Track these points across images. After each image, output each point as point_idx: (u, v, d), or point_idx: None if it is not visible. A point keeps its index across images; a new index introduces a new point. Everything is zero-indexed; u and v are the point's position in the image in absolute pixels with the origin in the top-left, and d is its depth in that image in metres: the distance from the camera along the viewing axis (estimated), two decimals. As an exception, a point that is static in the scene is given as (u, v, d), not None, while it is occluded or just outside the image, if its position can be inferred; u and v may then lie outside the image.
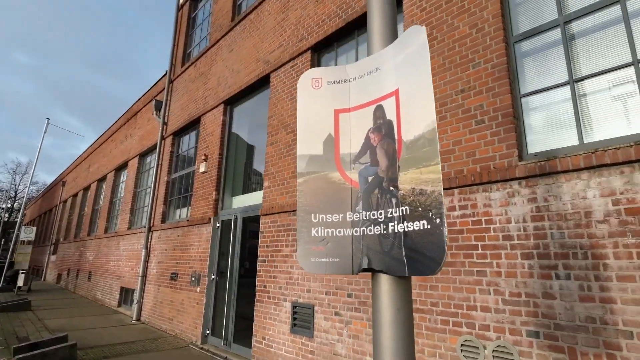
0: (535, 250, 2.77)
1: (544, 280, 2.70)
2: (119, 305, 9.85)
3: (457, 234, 3.25)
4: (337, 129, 1.25)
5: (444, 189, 3.34)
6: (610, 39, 2.83)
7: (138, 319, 8.17)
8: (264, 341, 4.90)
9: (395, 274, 1.01)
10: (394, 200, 1.06)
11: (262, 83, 6.40)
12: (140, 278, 8.34)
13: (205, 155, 7.29)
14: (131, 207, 10.64)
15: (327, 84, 1.31)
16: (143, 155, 11.16)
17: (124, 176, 12.42)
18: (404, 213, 1.02)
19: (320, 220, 1.19)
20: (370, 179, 1.15)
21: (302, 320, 4.46)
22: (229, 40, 7.60)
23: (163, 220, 8.55)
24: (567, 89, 2.98)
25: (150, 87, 11.43)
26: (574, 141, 2.87)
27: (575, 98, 2.92)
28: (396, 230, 1.03)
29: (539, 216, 2.80)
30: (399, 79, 1.12)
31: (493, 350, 2.85)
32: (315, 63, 5.39)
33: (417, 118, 1.03)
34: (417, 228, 0.97)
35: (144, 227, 9.08)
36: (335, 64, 5.18)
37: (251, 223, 6.01)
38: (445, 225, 0.91)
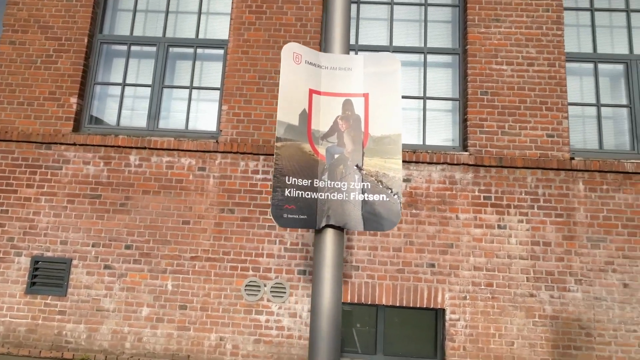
0: (314, 212, 3.72)
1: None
2: None
3: (257, 194, 3.76)
4: (310, 107, 1.45)
5: (250, 153, 3.76)
6: (380, 74, 4.13)
7: None
8: (-32, 310, 3.59)
9: (353, 229, 1.41)
10: (356, 177, 1.43)
11: (-1, -55, 4.31)
12: None
13: None
14: None
15: (305, 62, 1.46)
16: None
17: None
18: (366, 187, 1.42)
19: (293, 183, 1.38)
20: (336, 156, 1.45)
21: (48, 277, 3.64)
22: None
23: None
24: (351, 99, 4.09)
25: None
26: (349, 138, 4.01)
27: (354, 107, 4.07)
28: (357, 199, 1.41)
29: (321, 187, 3.76)
30: (369, 86, 1.48)
31: (271, 287, 3.61)
32: (108, -36, 4.26)
33: (385, 122, 1.44)
34: (377, 199, 1.40)
35: None
36: (138, -20, 4.32)
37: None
38: (401, 197, 1.41)
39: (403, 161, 3.73)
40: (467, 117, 3.85)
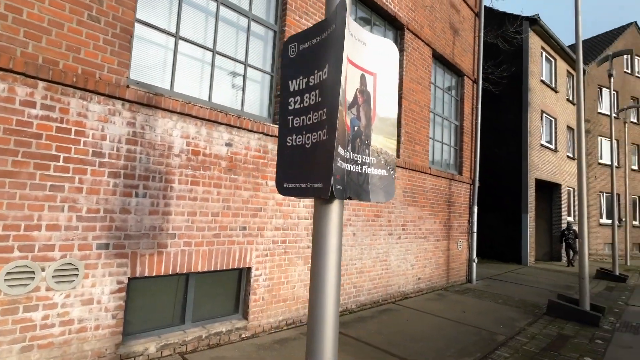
0: (123, 170, 2.95)
1: (124, 197, 2.95)
2: None
3: (32, 138, 2.51)
4: (346, 74, 1.36)
5: (19, 73, 2.48)
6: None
7: None
8: None
9: (362, 200, 1.49)
10: (367, 151, 1.49)
11: None
12: None
13: None
14: None
15: (347, 28, 1.34)
16: None
17: None
18: (372, 162, 1.51)
19: (340, 153, 1.27)
20: (355, 128, 1.43)
21: None
22: None
23: None
24: (172, 40, 3.44)
25: None
26: (167, 86, 3.38)
27: (176, 52, 3.45)
28: (366, 172, 1.49)
29: (134, 140, 3.01)
30: (377, 67, 1.55)
31: (54, 270, 2.59)
32: None
33: (387, 105, 1.57)
34: (378, 173, 1.53)
35: None
36: None
37: None
38: (395, 173, 1.61)
39: (228, 125, 3.62)
40: (278, 93, 4.21)
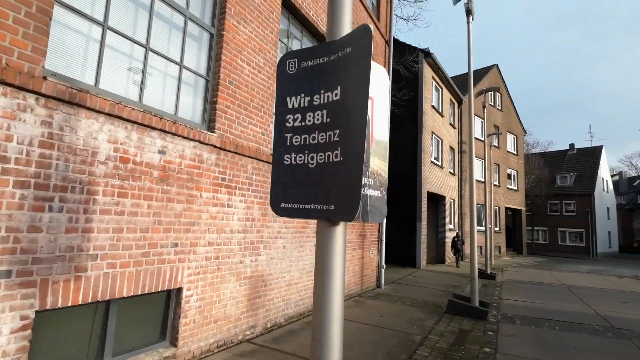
0: (35, 179, 2.41)
1: (35, 212, 2.41)
2: None
3: None
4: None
5: None
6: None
7: None
8: None
9: (364, 221, 1.51)
10: (367, 173, 1.52)
11: None
12: None
13: None
14: None
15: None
16: None
17: None
18: (371, 184, 1.54)
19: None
20: None
21: None
22: None
23: None
24: (99, 30, 2.97)
25: None
26: (91, 82, 2.90)
27: (103, 44, 2.99)
28: (366, 193, 1.51)
29: (50, 144, 2.50)
30: (373, 91, 1.60)
31: None
32: None
33: (381, 128, 1.63)
34: (374, 195, 1.57)
35: None
36: None
37: None
38: (387, 195, 1.67)
39: (162, 130, 3.27)
40: (216, 100, 3.98)
